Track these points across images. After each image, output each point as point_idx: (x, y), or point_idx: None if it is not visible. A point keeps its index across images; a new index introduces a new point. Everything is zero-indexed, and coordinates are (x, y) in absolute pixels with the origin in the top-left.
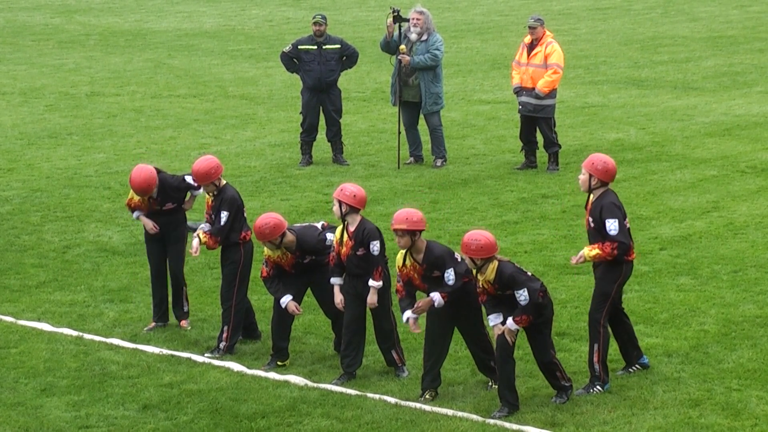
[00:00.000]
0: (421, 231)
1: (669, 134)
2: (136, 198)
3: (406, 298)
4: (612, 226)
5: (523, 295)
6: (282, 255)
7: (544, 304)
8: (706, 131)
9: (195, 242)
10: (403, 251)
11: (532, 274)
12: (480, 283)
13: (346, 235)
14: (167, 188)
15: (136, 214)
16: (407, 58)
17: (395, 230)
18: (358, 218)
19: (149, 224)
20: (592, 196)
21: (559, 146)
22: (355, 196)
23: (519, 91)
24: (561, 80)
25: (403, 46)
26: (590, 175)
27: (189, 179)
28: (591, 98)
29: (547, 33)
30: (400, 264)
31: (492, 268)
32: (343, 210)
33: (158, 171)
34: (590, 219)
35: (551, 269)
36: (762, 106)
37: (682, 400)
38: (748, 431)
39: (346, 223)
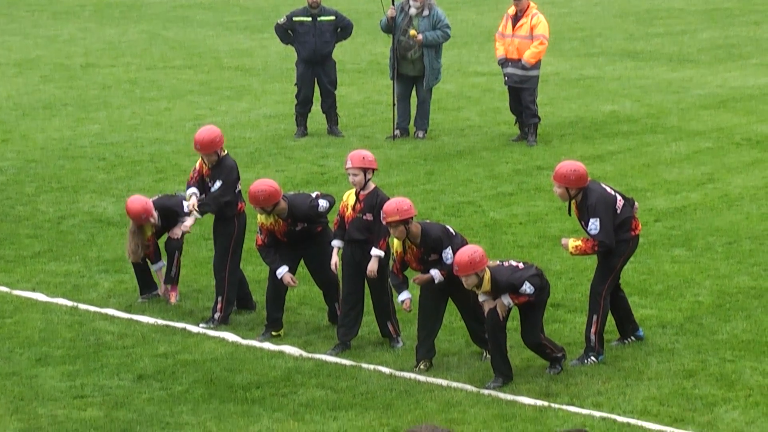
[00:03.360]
0: (413, 217)
1: (664, 106)
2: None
3: (403, 278)
4: (593, 225)
5: (528, 289)
6: (274, 222)
7: (543, 285)
8: (702, 104)
9: (190, 221)
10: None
11: (525, 263)
12: (479, 296)
13: (356, 200)
14: (168, 213)
15: (155, 267)
16: (420, 37)
17: (388, 223)
18: (372, 185)
19: (163, 287)
20: (573, 201)
21: (539, 118)
22: (375, 159)
23: (504, 62)
24: (556, 52)
25: (413, 31)
26: (567, 188)
27: (184, 205)
28: (586, 70)
29: (532, 4)
30: (399, 249)
31: (487, 280)
32: (368, 177)
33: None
34: (582, 223)
35: (546, 240)
36: (757, 78)
37: (677, 371)
38: (741, 402)
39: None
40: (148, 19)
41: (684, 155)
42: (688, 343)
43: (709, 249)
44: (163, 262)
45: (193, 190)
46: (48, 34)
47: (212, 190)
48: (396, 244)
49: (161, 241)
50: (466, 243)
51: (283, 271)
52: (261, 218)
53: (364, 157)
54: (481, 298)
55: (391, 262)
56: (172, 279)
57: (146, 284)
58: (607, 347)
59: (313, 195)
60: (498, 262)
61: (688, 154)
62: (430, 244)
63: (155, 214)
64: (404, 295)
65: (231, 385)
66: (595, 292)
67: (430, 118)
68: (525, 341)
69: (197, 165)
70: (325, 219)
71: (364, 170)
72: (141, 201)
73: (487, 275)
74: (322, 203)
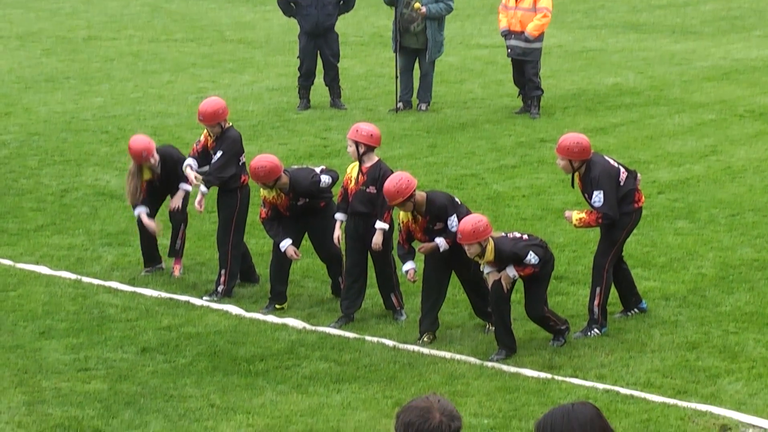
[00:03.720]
0: (415, 190)
1: (667, 78)
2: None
3: (408, 248)
4: (597, 198)
5: (533, 259)
6: (276, 196)
7: (547, 258)
8: (705, 75)
9: (199, 196)
10: None
11: (529, 235)
12: (481, 266)
13: (359, 173)
14: (169, 162)
15: (137, 211)
16: (424, 10)
17: (394, 205)
18: (375, 157)
19: (152, 226)
20: (577, 173)
21: (542, 91)
22: (372, 135)
23: (507, 34)
24: (559, 24)
25: (418, 4)
26: (570, 160)
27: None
28: (589, 42)
29: None
30: (404, 219)
31: (490, 250)
32: (361, 150)
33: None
34: (585, 195)
35: (549, 213)
36: (761, 50)
37: (680, 343)
38: (744, 373)
39: (361, 161)
40: None
41: (687, 127)
42: (692, 316)
43: (712, 221)
44: (146, 207)
45: (190, 161)
46: (50, 7)
47: (212, 161)
48: (402, 213)
49: (164, 213)
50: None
51: (286, 244)
52: (264, 192)
53: (357, 130)
54: (485, 270)
55: (396, 234)
56: (177, 252)
57: (151, 257)
58: (611, 320)
59: (317, 170)
60: (502, 233)
61: (691, 127)
62: (435, 212)
63: (156, 156)
64: (409, 265)
65: (234, 358)
66: (598, 265)
67: (432, 90)
68: (529, 314)
69: (202, 137)
70: (329, 194)
71: (356, 143)
72: (144, 140)
73: (491, 245)
74: (324, 179)
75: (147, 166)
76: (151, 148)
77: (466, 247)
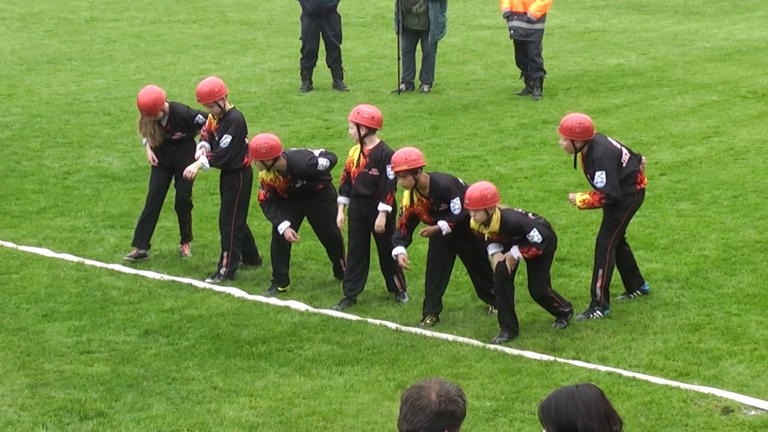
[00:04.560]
0: (421, 167)
1: (670, 59)
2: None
3: (404, 234)
4: (599, 178)
5: (535, 236)
6: (274, 178)
7: (551, 237)
8: (707, 56)
9: (194, 166)
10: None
11: (534, 214)
12: (486, 236)
13: (361, 155)
14: (177, 117)
15: (144, 140)
16: None
17: (397, 173)
18: (376, 140)
19: (149, 156)
20: (579, 153)
21: (544, 72)
22: (373, 117)
23: (509, 15)
24: (561, 5)
25: None
26: (572, 140)
27: (199, 118)
28: (592, 23)
29: None
30: (407, 202)
31: (496, 219)
32: (362, 133)
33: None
34: (588, 176)
35: (551, 195)
36: (763, 30)
37: (682, 324)
38: (747, 355)
39: (363, 143)
40: None
41: (689, 108)
42: (694, 297)
43: (714, 202)
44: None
45: (204, 144)
46: None
47: (221, 144)
48: (405, 198)
49: (168, 203)
50: None
51: (284, 226)
52: (262, 174)
53: (359, 112)
54: (490, 251)
55: (397, 217)
56: (187, 236)
57: (142, 238)
58: (613, 301)
59: (316, 153)
60: (508, 207)
61: (694, 108)
62: (439, 194)
63: (166, 106)
64: (398, 250)
65: (237, 340)
66: (600, 246)
67: (435, 71)
68: (532, 293)
69: (211, 121)
70: (328, 177)
71: (358, 125)
72: (150, 97)
73: (497, 215)
74: (322, 162)
75: (153, 119)
76: (155, 109)
77: (472, 213)
